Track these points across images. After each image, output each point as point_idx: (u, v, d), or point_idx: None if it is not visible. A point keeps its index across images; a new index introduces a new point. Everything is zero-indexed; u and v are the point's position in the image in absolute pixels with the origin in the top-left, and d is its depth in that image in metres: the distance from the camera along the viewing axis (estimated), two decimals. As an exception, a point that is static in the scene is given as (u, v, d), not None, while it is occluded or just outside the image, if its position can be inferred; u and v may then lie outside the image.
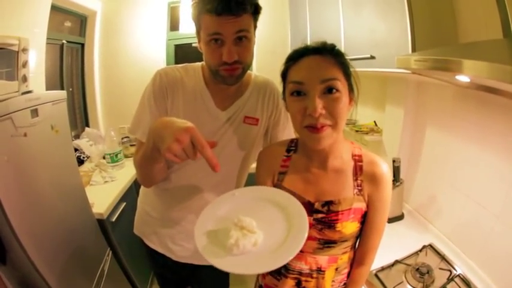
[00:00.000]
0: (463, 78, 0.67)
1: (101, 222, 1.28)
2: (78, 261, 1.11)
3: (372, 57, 0.99)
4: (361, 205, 0.65)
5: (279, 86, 0.79)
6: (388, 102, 1.35)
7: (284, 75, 0.65)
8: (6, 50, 1.05)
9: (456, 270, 0.90)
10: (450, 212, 1.05)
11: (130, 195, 1.54)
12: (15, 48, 1.07)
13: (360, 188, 0.65)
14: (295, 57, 0.62)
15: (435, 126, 1.14)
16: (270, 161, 0.73)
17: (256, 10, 0.70)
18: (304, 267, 0.68)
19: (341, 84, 0.58)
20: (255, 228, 0.55)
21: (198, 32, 0.73)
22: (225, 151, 0.82)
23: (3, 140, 0.83)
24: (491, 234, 0.87)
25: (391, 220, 1.16)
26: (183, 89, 0.79)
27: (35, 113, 0.96)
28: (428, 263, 0.92)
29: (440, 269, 0.91)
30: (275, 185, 0.72)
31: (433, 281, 0.86)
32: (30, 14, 1.37)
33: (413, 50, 0.79)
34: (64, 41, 1.76)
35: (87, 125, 2.08)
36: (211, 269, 0.94)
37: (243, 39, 0.69)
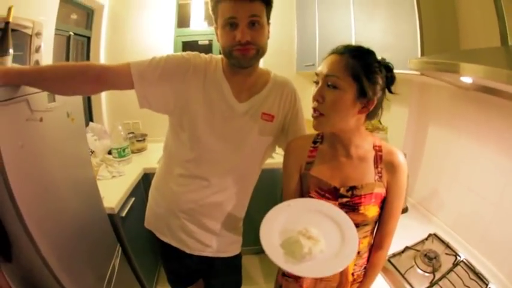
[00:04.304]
0: (467, 80, 0.76)
1: (111, 217, 1.25)
2: (89, 257, 1.06)
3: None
4: (381, 190, 0.72)
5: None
6: (394, 102, 1.42)
7: None
8: (19, 32, 0.99)
9: (460, 256, 0.96)
10: (452, 204, 1.13)
11: (138, 190, 1.51)
12: (29, 32, 1.02)
13: (380, 174, 0.72)
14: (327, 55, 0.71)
15: (436, 124, 1.23)
16: (297, 152, 0.79)
17: (267, 1, 0.77)
18: None
19: (342, 82, 0.64)
20: (320, 237, 0.63)
21: (215, 21, 0.78)
22: (245, 144, 0.85)
23: (19, 124, 0.77)
24: (491, 223, 0.95)
25: (396, 212, 1.21)
26: (204, 77, 0.82)
27: (51, 97, 0.90)
28: (435, 249, 0.98)
29: (446, 254, 0.98)
30: (302, 174, 0.77)
31: (440, 265, 0.93)
32: (40, 1, 1.32)
33: (422, 54, 0.87)
34: (71, 33, 1.73)
35: (91, 120, 2.04)
36: (224, 262, 0.95)
37: (256, 25, 0.75)
